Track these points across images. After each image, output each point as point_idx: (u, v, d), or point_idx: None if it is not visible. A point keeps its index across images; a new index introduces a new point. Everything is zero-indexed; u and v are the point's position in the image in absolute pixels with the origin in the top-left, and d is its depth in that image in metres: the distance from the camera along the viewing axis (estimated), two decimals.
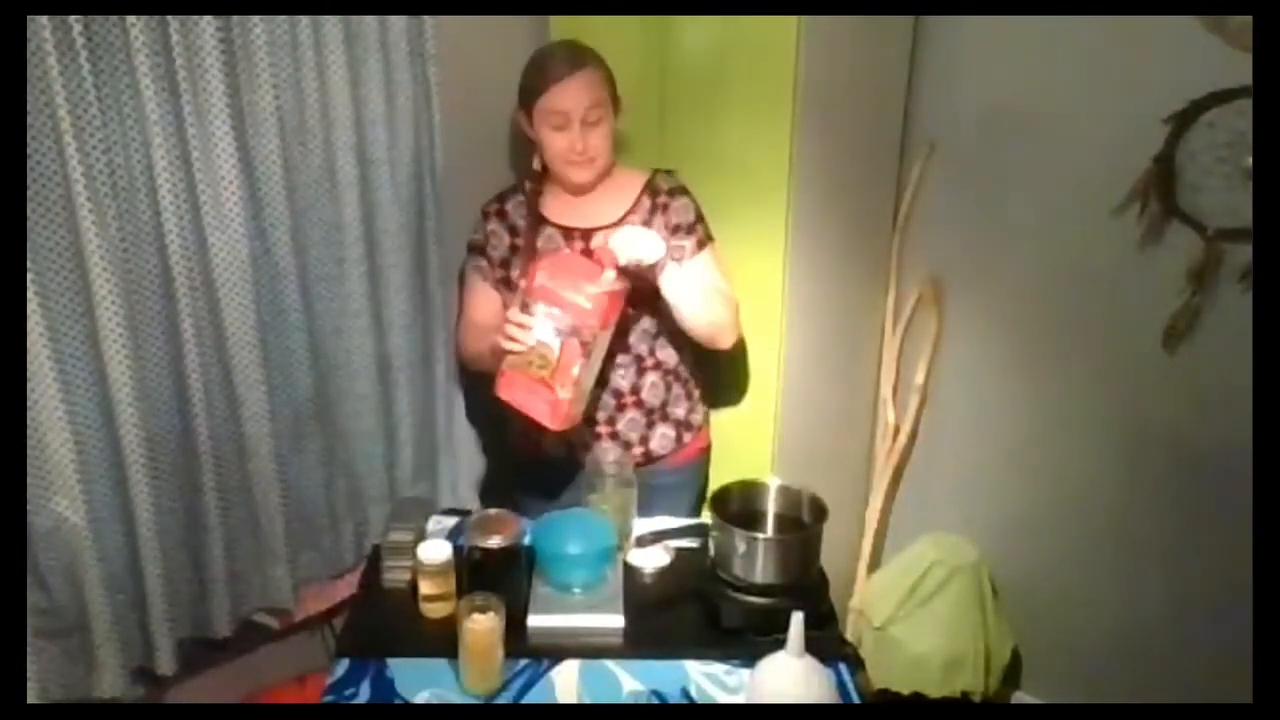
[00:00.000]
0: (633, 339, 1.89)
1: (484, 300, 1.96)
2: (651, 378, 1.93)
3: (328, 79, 1.85)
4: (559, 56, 1.79)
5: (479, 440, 2.37)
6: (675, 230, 1.86)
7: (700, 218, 1.89)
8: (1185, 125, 1.92)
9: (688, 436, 1.99)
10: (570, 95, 1.76)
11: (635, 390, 1.92)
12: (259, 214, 1.82)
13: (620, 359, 1.89)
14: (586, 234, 1.87)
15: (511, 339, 1.69)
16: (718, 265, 1.92)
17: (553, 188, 1.90)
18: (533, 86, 1.79)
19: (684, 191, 1.89)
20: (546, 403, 1.70)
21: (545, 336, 1.69)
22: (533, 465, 2.00)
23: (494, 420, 1.99)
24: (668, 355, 1.93)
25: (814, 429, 2.27)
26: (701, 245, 1.88)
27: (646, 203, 1.87)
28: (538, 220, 1.89)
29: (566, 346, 1.68)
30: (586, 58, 1.79)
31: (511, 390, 1.74)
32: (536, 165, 1.89)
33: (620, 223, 1.86)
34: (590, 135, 1.78)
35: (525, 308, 1.70)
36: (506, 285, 1.93)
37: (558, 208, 1.90)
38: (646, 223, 1.86)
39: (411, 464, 2.23)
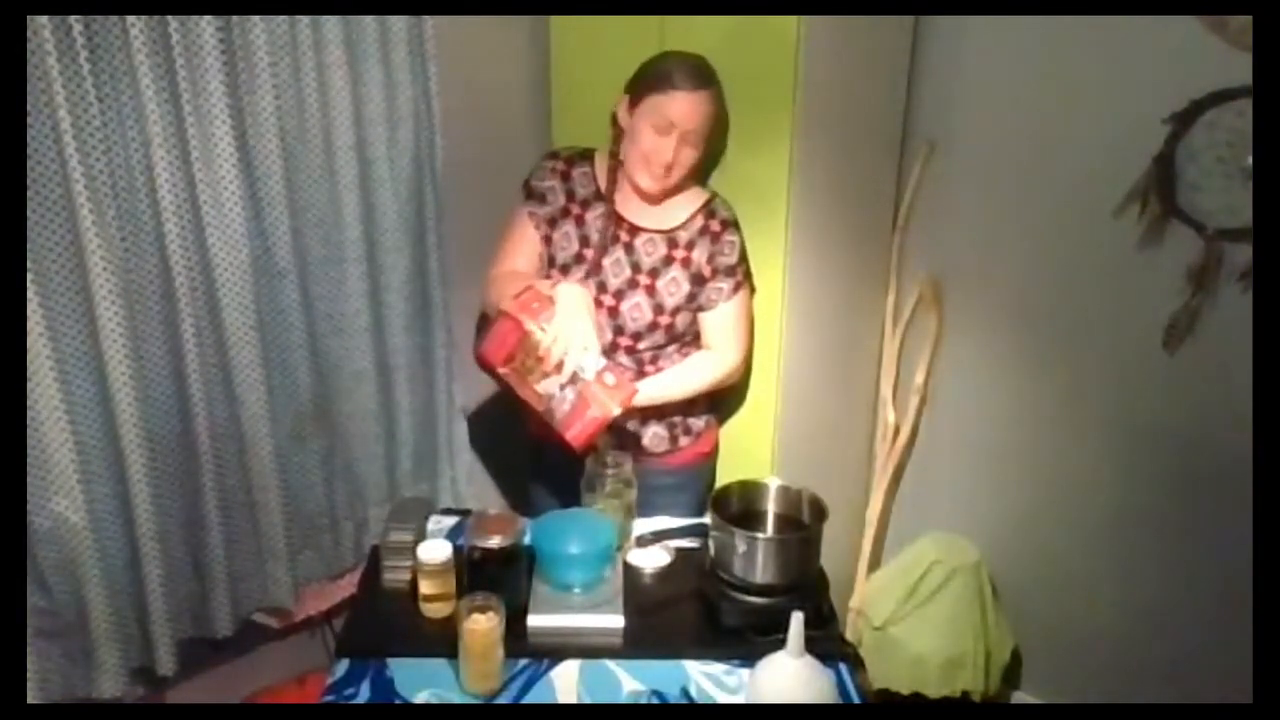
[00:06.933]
0: (641, 345, 1.89)
1: (529, 247, 1.93)
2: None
3: (328, 79, 1.85)
4: (692, 68, 1.79)
5: (484, 438, 2.37)
6: (715, 273, 1.88)
7: (743, 257, 1.90)
8: (1185, 125, 1.92)
9: (684, 440, 1.99)
10: (686, 108, 1.76)
11: None
12: (259, 214, 1.82)
13: (624, 359, 1.89)
14: (634, 230, 1.89)
15: (543, 343, 1.70)
16: (744, 313, 1.93)
17: (623, 179, 1.90)
18: (654, 83, 1.78)
19: (736, 227, 1.89)
20: (497, 338, 1.76)
21: (549, 388, 1.72)
22: (546, 448, 1.98)
23: (506, 409, 1.98)
24: (669, 364, 1.93)
25: (814, 429, 2.27)
26: (738, 288, 1.90)
27: (700, 221, 1.88)
28: (612, 209, 1.89)
29: (541, 392, 1.74)
30: (714, 80, 1.81)
31: (500, 344, 1.76)
32: (620, 155, 1.88)
33: (673, 231, 1.88)
34: (681, 150, 1.79)
35: (561, 371, 1.72)
36: (546, 242, 1.93)
37: (620, 196, 1.90)
38: (693, 241, 1.87)
39: (411, 464, 2.23)
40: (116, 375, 1.67)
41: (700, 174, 1.95)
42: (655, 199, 1.88)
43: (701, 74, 1.80)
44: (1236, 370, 1.92)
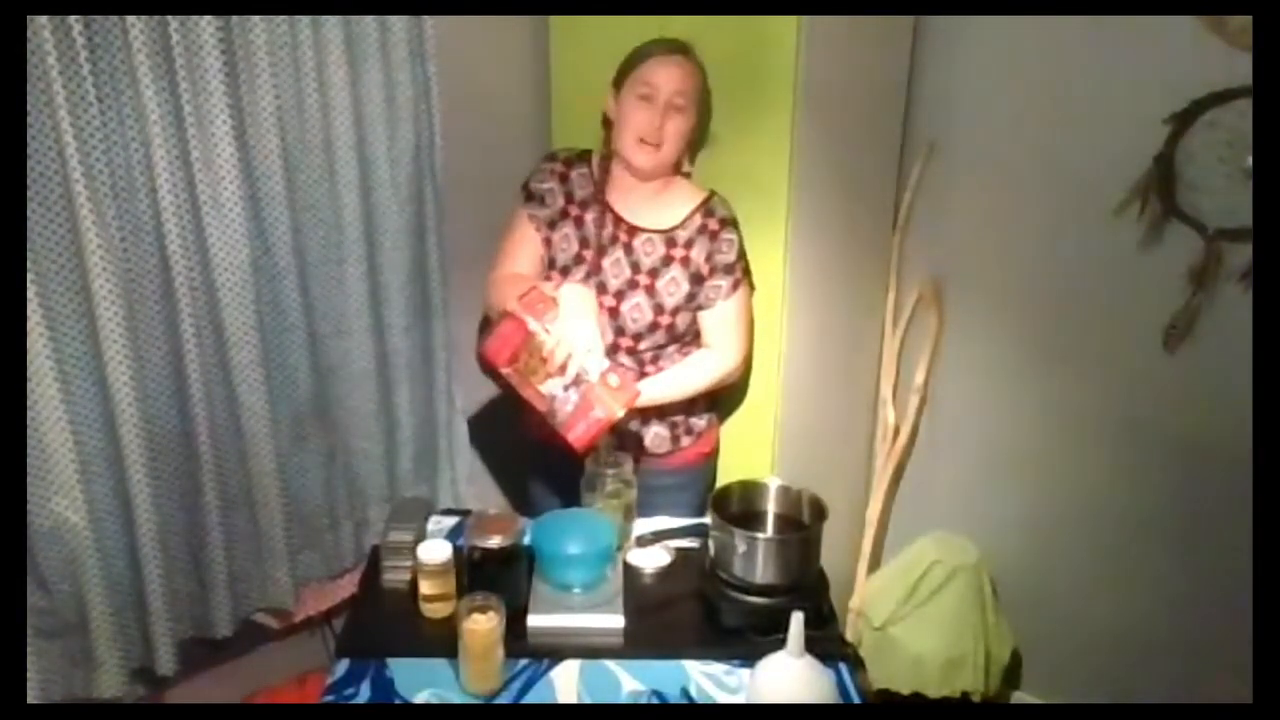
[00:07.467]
0: (642, 346, 1.89)
1: (530, 249, 1.93)
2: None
3: (328, 79, 1.85)
4: (666, 41, 1.85)
5: (484, 437, 2.37)
6: (714, 271, 1.88)
7: (741, 255, 1.90)
8: (1185, 125, 1.92)
9: (686, 440, 1.99)
10: (664, 72, 1.81)
11: None
12: (259, 214, 1.82)
13: (625, 360, 1.89)
14: (633, 230, 1.89)
15: (547, 344, 1.69)
16: (743, 311, 1.93)
17: (616, 175, 1.91)
18: (632, 62, 1.84)
19: (734, 224, 1.90)
20: (500, 338, 1.74)
21: (552, 388, 1.71)
22: (546, 448, 1.98)
23: (506, 409, 1.98)
24: (670, 364, 1.93)
25: (814, 429, 2.27)
26: (737, 286, 1.90)
27: (698, 220, 1.89)
28: (603, 208, 1.90)
29: (544, 392, 1.73)
30: (690, 51, 1.85)
31: (503, 344, 1.74)
32: (606, 150, 1.91)
33: (671, 231, 1.88)
34: (669, 120, 1.81)
35: (565, 372, 1.71)
36: (546, 244, 1.93)
37: (616, 196, 1.91)
38: (691, 240, 1.87)
39: (411, 464, 2.23)
40: (116, 375, 1.67)
41: (694, 167, 1.95)
42: (649, 175, 1.86)
43: (676, 45, 1.84)
44: (1236, 370, 1.92)
